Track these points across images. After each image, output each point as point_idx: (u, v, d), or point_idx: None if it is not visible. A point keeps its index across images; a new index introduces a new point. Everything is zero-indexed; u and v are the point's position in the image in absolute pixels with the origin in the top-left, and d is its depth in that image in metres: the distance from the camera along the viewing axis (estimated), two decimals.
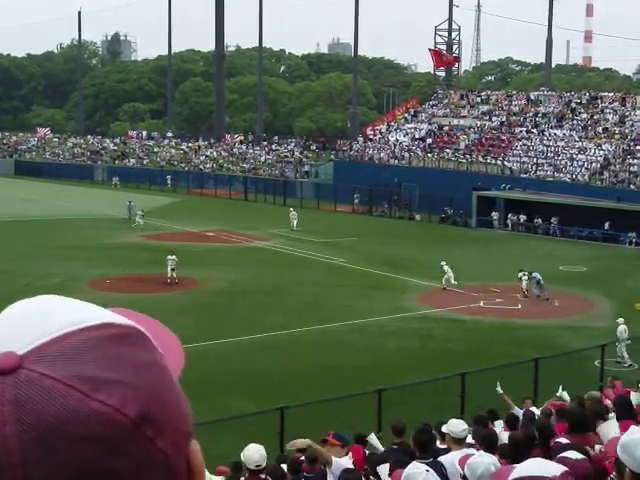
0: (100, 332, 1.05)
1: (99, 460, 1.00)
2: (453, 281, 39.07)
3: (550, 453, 7.87)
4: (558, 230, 57.55)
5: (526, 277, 37.79)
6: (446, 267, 39.35)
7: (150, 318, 1.21)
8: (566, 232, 57.00)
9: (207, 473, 8.54)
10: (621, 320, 27.94)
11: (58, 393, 0.99)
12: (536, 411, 14.41)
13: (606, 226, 54.74)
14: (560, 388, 17.22)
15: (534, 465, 3.27)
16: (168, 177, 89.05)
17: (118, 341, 1.06)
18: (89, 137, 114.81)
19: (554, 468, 3.22)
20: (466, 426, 9.69)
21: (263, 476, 9.52)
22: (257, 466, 9.42)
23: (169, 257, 40.21)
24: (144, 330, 1.11)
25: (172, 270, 39.80)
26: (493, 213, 60.97)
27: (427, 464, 8.00)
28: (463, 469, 7.14)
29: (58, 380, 1.00)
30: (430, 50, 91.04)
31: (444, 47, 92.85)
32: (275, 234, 55.43)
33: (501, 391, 17.17)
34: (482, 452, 7.82)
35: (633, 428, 4.41)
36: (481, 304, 36.54)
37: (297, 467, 11.04)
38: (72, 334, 1.04)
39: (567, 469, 3.36)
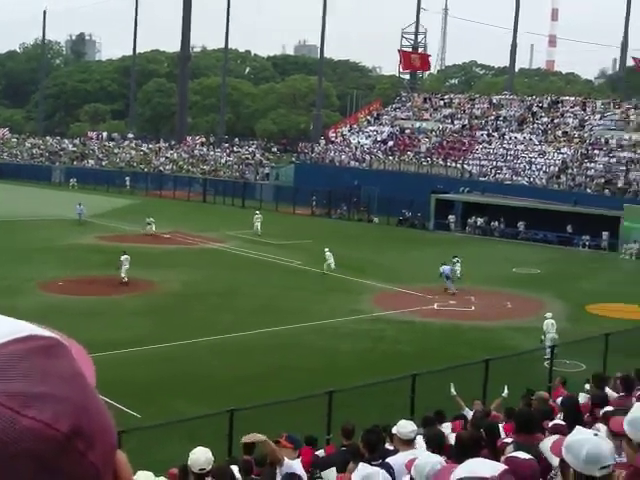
0: (24, 345, 1.03)
1: (32, 478, 0.97)
2: (333, 266, 42.61)
3: (497, 453, 7.83)
4: (514, 233, 57.85)
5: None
6: (328, 254, 42.77)
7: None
8: (521, 235, 57.36)
9: (148, 475, 8.38)
10: (549, 315, 29.16)
11: None
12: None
13: (569, 229, 55.18)
14: (505, 388, 17.31)
15: (474, 465, 3.22)
16: (127, 178, 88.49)
17: (43, 353, 1.04)
18: (48, 138, 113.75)
19: (494, 467, 3.10)
20: (415, 427, 9.60)
21: (209, 479, 9.38)
22: (201, 469, 9.29)
23: (123, 257, 39.91)
24: (63, 340, 1.09)
25: (126, 270, 39.53)
26: (450, 216, 61.20)
27: (376, 465, 7.90)
28: (410, 471, 7.00)
29: None
30: (399, 51, 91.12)
31: (410, 50, 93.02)
32: (232, 236, 55.18)
33: (454, 392, 17.34)
34: (429, 452, 7.73)
35: (578, 429, 4.30)
36: (435, 306, 36.63)
37: (248, 468, 10.92)
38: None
39: (507, 467, 3.26)
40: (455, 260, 42.52)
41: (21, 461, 0.95)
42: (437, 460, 6.47)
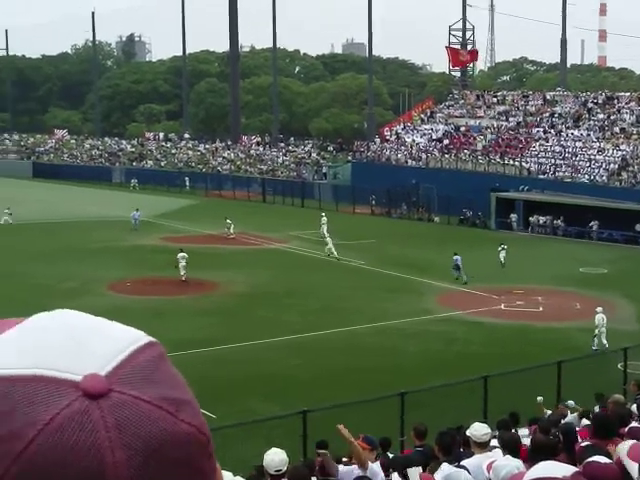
0: (152, 352, 1.07)
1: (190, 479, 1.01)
2: (334, 251, 46.55)
3: (574, 457, 7.91)
4: (578, 232, 57.28)
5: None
6: (328, 239, 47.38)
7: None
8: (586, 234, 56.71)
9: (227, 475, 8.64)
10: (599, 309, 30.05)
11: (155, 416, 0.98)
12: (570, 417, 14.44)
13: (638, 227, 54.49)
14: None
15: (546, 466, 3.32)
16: (186, 179, 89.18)
17: (164, 359, 1.08)
18: (106, 139, 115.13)
19: (566, 469, 3.26)
20: (489, 430, 9.69)
21: None
22: (277, 471, 9.41)
23: (179, 255, 40.62)
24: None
25: (184, 267, 40.25)
26: (512, 215, 60.74)
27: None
28: (489, 473, 7.17)
29: (150, 402, 0.99)
30: (447, 48, 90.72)
31: (459, 47, 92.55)
32: (295, 236, 55.39)
33: (540, 399, 17.58)
34: (508, 456, 7.85)
35: None
36: (502, 307, 36.49)
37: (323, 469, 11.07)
38: (136, 354, 1.04)
39: (578, 470, 3.39)
40: (501, 247, 44.88)
41: (183, 465, 1.01)
42: (515, 464, 6.61)
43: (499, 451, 9.39)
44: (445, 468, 7.72)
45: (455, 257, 41.66)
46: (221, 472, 1.13)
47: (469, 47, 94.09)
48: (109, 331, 1.06)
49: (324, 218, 55.18)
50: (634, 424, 9.54)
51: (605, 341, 29.36)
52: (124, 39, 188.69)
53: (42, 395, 0.97)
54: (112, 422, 0.96)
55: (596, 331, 29.63)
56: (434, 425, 12.35)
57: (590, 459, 5.44)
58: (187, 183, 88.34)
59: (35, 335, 1.04)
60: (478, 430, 9.42)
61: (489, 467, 7.48)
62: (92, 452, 0.95)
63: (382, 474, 9.94)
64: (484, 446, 9.42)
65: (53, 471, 0.94)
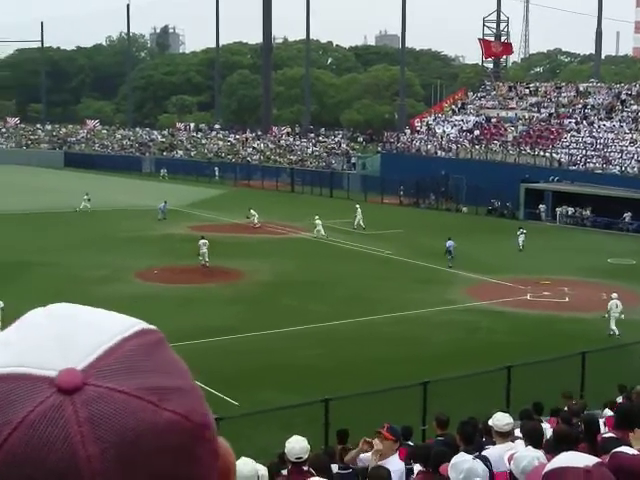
0: (142, 339, 1.06)
1: (176, 470, 1.00)
2: (323, 233, 49.98)
3: (596, 447, 7.79)
4: (606, 223, 56.88)
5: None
6: (318, 221, 50.61)
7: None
8: (615, 225, 56.31)
9: (247, 461, 8.61)
10: (615, 295, 30.66)
11: (132, 407, 0.98)
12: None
13: None
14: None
15: (568, 456, 3.27)
16: (216, 169, 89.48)
17: (159, 346, 1.07)
18: (137, 129, 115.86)
19: (589, 459, 3.20)
20: (511, 420, 9.63)
21: (306, 468, 9.42)
22: (298, 458, 9.35)
23: (201, 241, 41.51)
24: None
25: (205, 255, 41.19)
26: (541, 205, 60.40)
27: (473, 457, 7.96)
28: (510, 464, 7.11)
29: (127, 393, 0.98)
30: (479, 40, 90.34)
31: (492, 39, 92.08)
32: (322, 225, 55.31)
33: None
34: (529, 447, 7.77)
35: None
36: (528, 297, 36.26)
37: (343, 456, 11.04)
38: (122, 344, 1.03)
39: (600, 460, 3.31)
40: (520, 232, 46.27)
41: (166, 455, 0.99)
42: (535, 455, 6.54)
43: (521, 441, 9.33)
44: (458, 457, 7.64)
45: (448, 242, 42.59)
46: (229, 455, 1.13)
47: (503, 39, 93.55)
48: (100, 322, 1.06)
49: (358, 211, 55.37)
50: None
51: (614, 327, 29.89)
52: (158, 31, 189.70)
53: (18, 393, 0.97)
54: (85, 416, 0.96)
55: (606, 315, 30.37)
56: (456, 415, 12.30)
57: (617, 449, 5.36)
58: (216, 173, 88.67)
59: (22, 332, 1.04)
60: (500, 420, 9.38)
61: (510, 458, 7.44)
62: (65, 447, 0.94)
63: (401, 465, 9.88)
64: (506, 436, 9.38)
65: (27, 467, 0.94)
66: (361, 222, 54.76)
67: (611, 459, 4.90)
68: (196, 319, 30.77)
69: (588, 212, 58.03)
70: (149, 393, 1.00)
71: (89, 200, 61.17)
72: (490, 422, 9.85)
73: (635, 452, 5.42)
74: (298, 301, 34.42)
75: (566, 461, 3.09)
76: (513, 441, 9.65)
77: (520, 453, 6.80)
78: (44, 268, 39.47)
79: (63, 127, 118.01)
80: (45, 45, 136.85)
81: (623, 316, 30.17)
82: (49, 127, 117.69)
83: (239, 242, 48.72)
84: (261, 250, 46.21)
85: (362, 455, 10.56)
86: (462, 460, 7.01)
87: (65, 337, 1.02)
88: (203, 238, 41.94)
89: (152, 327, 1.09)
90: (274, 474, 10.44)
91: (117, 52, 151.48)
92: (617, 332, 29.68)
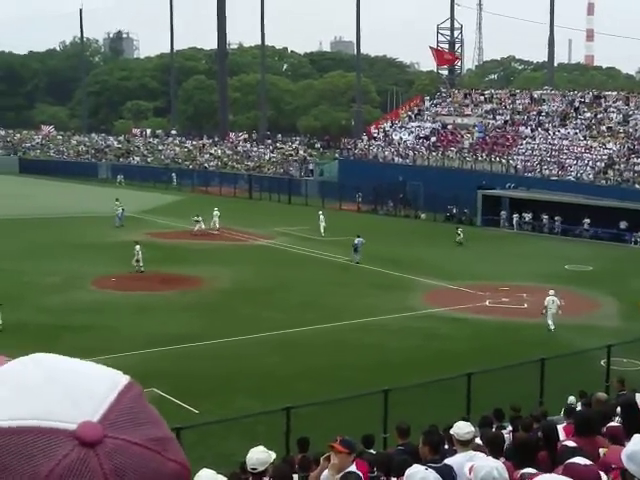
0: (133, 393, 1.09)
1: None
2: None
3: (555, 456, 7.81)
4: (563, 229, 57.35)
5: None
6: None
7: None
8: (571, 231, 56.84)
9: (209, 474, 8.54)
10: (552, 292, 32.10)
11: (146, 457, 1.02)
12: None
13: (622, 225, 54.51)
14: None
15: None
16: (173, 175, 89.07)
17: (143, 397, 1.11)
18: (93, 135, 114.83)
19: None
20: (472, 428, 9.60)
21: (266, 479, 9.28)
22: (252, 469, 9.18)
23: (136, 247, 41.64)
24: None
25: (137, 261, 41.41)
26: (502, 212, 60.80)
27: (437, 469, 7.94)
28: (470, 474, 7.10)
29: (140, 445, 1.02)
30: (431, 48, 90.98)
31: (446, 46, 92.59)
32: (281, 232, 55.27)
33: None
34: (489, 457, 7.76)
35: (637, 437, 4.14)
36: (487, 303, 36.40)
37: (305, 466, 10.96)
38: (120, 397, 1.06)
39: None
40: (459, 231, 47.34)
41: None
42: (494, 465, 6.55)
43: (481, 453, 9.32)
44: (410, 468, 7.61)
45: (357, 240, 44.31)
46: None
47: (457, 46, 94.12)
48: (89, 373, 1.08)
49: (321, 217, 55.49)
50: (613, 423, 9.49)
51: (550, 322, 31.22)
52: (112, 36, 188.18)
53: (38, 446, 0.98)
54: (110, 468, 0.99)
55: (544, 311, 31.53)
56: (417, 422, 12.31)
57: (570, 460, 5.37)
58: (174, 179, 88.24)
59: (19, 383, 1.05)
60: (461, 428, 9.33)
61: (471, 469, 7.43)
62: None
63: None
64: (467, 444, 9.35)
65: None
66: (322, 230, 54.75)
67: (565, 470, 4.92)
68: (154, 327, 30.54)
69: (545, 219, 58.50)
70: (155, 444, 1.03)
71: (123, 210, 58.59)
72: (451, 431, 9.84)
73: (588, 462, 5.42)
74: (257, 308, 34.26)
75: None
76: (474, 449, 9.65)
77: (479, 463, 6.81)
78: None
79: (17, 132, 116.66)
80: None
81: (560, 312, 31.49)
82: (2, 132, 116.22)
83: (198, 249, 48.48)
84: (220, 257, 45.97)
85: (323, 475, 10.47)
86: (416, 471, 6.98)
87: (66, 388, 1.03)
88: (137, 244, 42.08)
89: (132, 379, 1.12)
90: None
91: (70, 56, 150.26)
92: (552, 327, 31.08)
